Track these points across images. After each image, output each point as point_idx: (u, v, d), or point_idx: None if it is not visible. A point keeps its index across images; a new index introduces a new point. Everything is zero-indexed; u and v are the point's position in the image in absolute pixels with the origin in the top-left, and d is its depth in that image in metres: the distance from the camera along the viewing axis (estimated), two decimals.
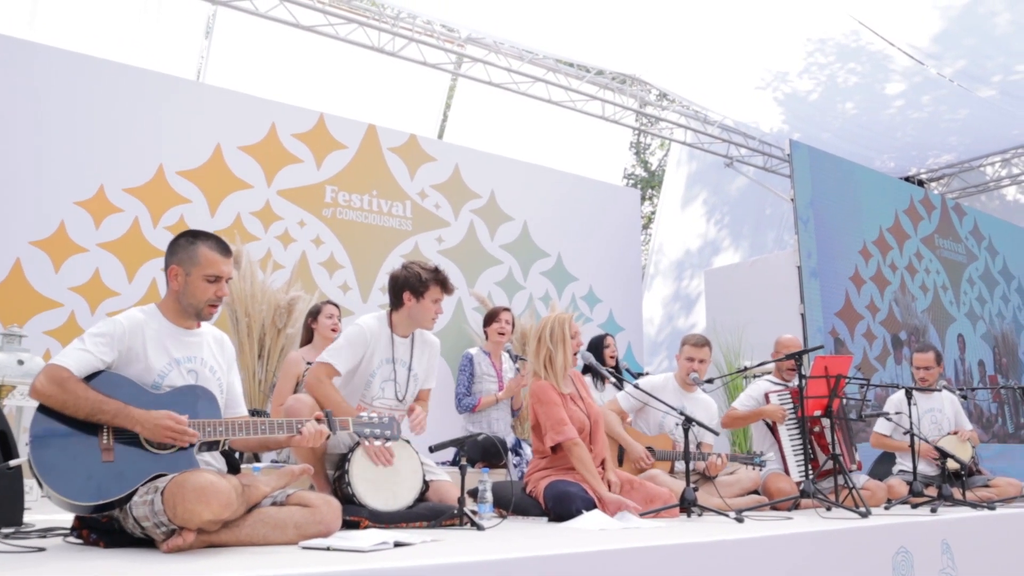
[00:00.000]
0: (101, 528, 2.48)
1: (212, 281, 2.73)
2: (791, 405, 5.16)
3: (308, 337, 5.35)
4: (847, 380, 4.69)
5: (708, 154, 10.30)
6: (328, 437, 3.32)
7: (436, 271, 3.72)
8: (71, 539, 2.54)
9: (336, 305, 5.39)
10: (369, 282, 7.19)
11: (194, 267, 2.72)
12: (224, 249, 2.78)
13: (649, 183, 18.14)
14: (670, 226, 12.25)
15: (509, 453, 5.31)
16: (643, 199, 16.45)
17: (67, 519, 2.64)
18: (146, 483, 2.42)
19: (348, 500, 3.29)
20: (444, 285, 3.71)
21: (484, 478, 3.71)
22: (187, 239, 2.77)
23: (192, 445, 2.52)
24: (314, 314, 5.31)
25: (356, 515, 3.14)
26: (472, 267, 7.83)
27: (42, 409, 2.43)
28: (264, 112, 6.89)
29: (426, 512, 3.36)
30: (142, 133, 6.27)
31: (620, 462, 4.66)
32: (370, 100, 8.38)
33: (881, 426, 5.75)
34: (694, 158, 11.78)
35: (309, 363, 5.06)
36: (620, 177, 12.25)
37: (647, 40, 8.51)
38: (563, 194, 8.60)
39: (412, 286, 3.68)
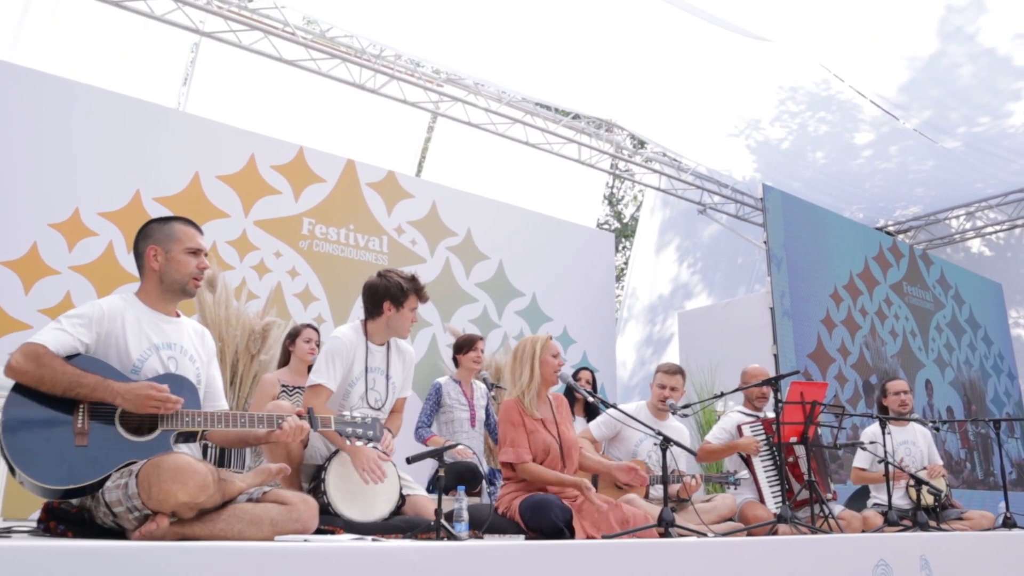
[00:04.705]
0: (70, 519, 2.41)
1: (193, 253, 2.74)
2: (763, 436, 5.16)
3: (285, 359, 5.27)
4: (823, 407, 4.71)
5: (682, 201, 10.44)
6: (306, 444, 3.31)
7: (414, 280, 3.82)
8: (37, 532, 2.46)
9: (316, 329, 5.32)
10: (344, 315, 7.14)
11: (173, 243, 2.73)
12: (196, 225, 2.82)
13: (622, 233, 18.32)
14: (643, 271, 12.36)
15: (484, 482, 5.25)
16: (616, 250, 16.57)
17: (32, 521, 2.55)
18: (120, 469, 2.36)
19: (323, 510, 3.22)
20: (420, 294, 3.82)
21: (460, 495, 3.65)
22: (158, 222, 2.79)
23: (172, 431, 2.47)
24: (292, 336, 5.23)
25: (331, 524, 3.07)
26: (447, 304, 7.83)
27: (17, 390, 2.37)
28: (244, 143, 6.91)
29: (402, 524, 3.31)
30: (120, 158, 6.25)
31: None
32: (350, 135, 8.45)
33: (859, 460, 5.74)
34: (668, 204, 11.95)
35: (284, 385, 4.99)
36: (594, 225, 12.37)
37: (623, 87, 8.70)
38: (539, 235, 8.67)
39: (393, 295, 3.72)
